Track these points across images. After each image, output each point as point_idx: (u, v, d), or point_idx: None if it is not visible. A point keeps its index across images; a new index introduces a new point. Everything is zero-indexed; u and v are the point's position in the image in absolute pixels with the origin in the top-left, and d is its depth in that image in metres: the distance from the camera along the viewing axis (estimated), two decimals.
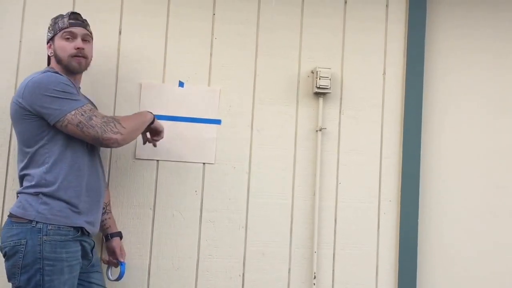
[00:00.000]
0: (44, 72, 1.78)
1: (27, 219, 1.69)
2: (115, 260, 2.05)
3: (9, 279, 1.70)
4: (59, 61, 1.85)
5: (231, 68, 2.25)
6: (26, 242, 1.66)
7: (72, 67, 1.86)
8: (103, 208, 1.97)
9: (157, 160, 2.17)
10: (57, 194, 1.72)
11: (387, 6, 2.38)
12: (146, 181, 2.16)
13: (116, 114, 2.15)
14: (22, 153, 1.80)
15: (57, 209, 1.71)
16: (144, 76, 2.18)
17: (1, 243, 1.73)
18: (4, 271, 1.72)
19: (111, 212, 2.07)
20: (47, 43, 1.90)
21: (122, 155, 2.15)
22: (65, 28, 1.86)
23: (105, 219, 2.02)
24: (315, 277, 2.20)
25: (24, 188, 1.76)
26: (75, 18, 1.89)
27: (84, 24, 1.91)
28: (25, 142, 1.77)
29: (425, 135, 2.35)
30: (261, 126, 2.25)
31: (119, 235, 2.05)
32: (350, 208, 2.28)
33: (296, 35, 2.31)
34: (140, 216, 2.14)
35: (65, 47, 1.84)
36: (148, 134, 2.03)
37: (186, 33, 2.23)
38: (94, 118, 1.74)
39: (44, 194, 1.71)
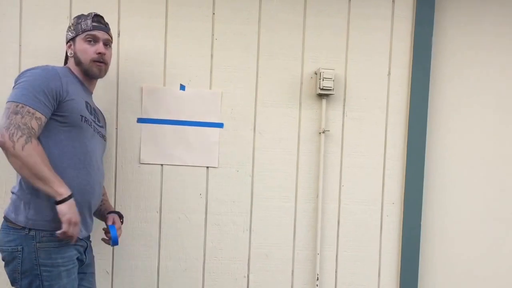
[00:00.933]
0: (46, 65, 1.77)
1: (20, 226, 1.70)
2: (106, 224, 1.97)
3: (12, 284, 1.76)
4: (78, 63, 1.84)
5: (232, 69, 2.23)
6: (22, 248, 1.69)
7: (92, 72, 1.85)
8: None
9: (161, 165, 2.20)
10: (42, 198, 1.69)
11: (393, 1, 2.29)
12: (151, 186, 2.20)
13: (118, 120, 2.17)
14: None
15: (45, 214, 1.69)
16: (145, 79, 2.18)
17: (0, 246, 1.75)
18: (3, 271, 1.76)
19: (107, 200, 2.05)
20: (67, 42, 1.87)
21: (127, 160, 2.19)
22: (88, 30, 1.84)
23: (100, 205, 1.99)
24: (318, 279, 2.26)
25: (13, 188, 1.76)
26: (98, 21, 1.87)
27: (106, 28, 1.90)
28: None
29: (430, 138, 2.32)
30: (264, 128, 2.25)
31: (117, 213, 2.01)
32: (353, 210, 2.29)
33: (298, 34, 2.25)
34: (147, 220, 2.21)
35: (87, 51, 1.83)
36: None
37: (185, 34, 2.20)
38: (18, 116, 1.62)
39: (31, 196, 1.70)
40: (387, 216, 2.31)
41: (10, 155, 1.62)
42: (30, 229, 1.69)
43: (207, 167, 2.23)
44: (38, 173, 1.63)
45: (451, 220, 2.37)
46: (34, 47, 2.12)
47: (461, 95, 2.36)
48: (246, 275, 2.26)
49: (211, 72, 2.22)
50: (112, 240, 1.90)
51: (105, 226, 1.98)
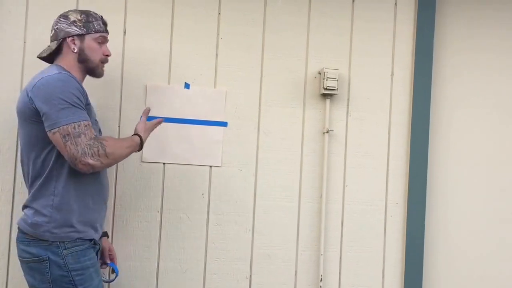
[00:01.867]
0: (59, 72, 1.72)
1: (41, 239, 1.70)
2: (105, 261, 2.03)
3: None
4: (84, 61, 1.83)
5: (237, 69, 2.26)
6: (48, 258, 1.69)
7: (97, 72, 1.88)
8: None
9: (164, 163, 2.20)
10: (66, 209, 1.72)
11: (395, 4, 2.37)
12: (153, 184, 2.19)
13: (122, 116, 2.18)
14: (28, 158, 1.76)
15: (68, 225, 1.72)
16: (149, 77, 2.20)
17: (21, 257, 1.74)
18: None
19: None
20: (70, 37, 1.81)
21: (129, 158, 2.16)
22: (102, 32, 1.87)
23: None
24: (321, 280, 2.24)
25: (29, 201, 1.75)
26: (105, 23, 1.91)
27: (108, 31, 1.94)
28: (32, 150, 1.74)
29: (433, 137, 2.36)
30: (268, 128, 2.27)
31: (105, 234, 2.03)
32: (357, 211, 2.30)
33: (303, 35, 2.31)
34: (148, 219, 2.19)
35: (97, 51, 1.85)
36: None
37: (191, 34, 2.24)
38: (82, 136, 1.66)
39: (53, 209, 1.71)
40: (391, 216, 2.32)
41: (105, 167, 1.75)
42: (53, 241, 1.70)
43: (210, 166, 2.23)
44: (124, 155, 1.81)
45: (455, 220, 2.39)
46: (38, 44, 2.12)
47: (463, 95, 2.42)
48: (248, 276, 2.23)
49: (215, 71, 2.25)
50: (115, 276, 2.03)
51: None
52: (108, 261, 2.03)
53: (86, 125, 1.68)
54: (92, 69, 1.86)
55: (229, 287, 2.22)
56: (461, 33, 2.42)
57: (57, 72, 1.72)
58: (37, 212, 1.72)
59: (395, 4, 2.36)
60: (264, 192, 2.25)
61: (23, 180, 2.05)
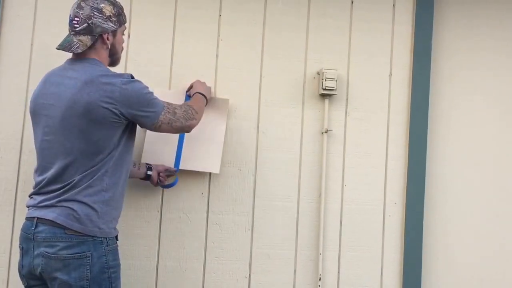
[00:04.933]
0: (127, 77, 1.79)
1: (87, 235, 1.73)
2: (168, 175, 2.19)
3: None
4: (113, 54, 1.88)
5: (237, 69, 2.33)
6: (92, 254, 1.72)
7: (118, 62, 1.95)
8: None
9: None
10: (111, 206, 1.79)
11: (394, 5, 2.43)
12: (152, 185, 2.22)
13: None
14: (81, 156, 1.74)
15: (111, 221, 1.80)
16: (152, 78, 2.24)
17: (57, 255, 1.70)
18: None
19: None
20: (105, 33, 1.81)
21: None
22: (125, 23, 1.92)
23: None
24: (320, 279, 2.29)
25: (81, 197, 1.73)
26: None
27: None
28: (96, 148, 1.75)
29: (431, 137, 2.41)
30: (267, 128, 2.33)
31: (150, 167, 2.15)
32: (356, 211, 2.35)
33: (302, 36, 2.38)
34: (148, 219, 2.24)
35: (122, 43, 1.92)
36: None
37: (192, 35, 2.31)
38: (177, 111, 1.90)
39: (104, 205, 1.76)
40: (390, 216, 2.37)
41: (198, 122, 2.01)
42: (98, 236, 1.74)
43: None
44: (203, 110, 2.07)
45: (453, 219, 2.43)
46: (45, 46, 2.20)
47: (461, 96, 2.47)
48: (247, 275, 2.28)
49: (216, 71, 2.32)
50: (170, 184, 2.20)
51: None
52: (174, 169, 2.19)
53: (167, 103, 1.90)
54: (115, 61, 1.93)
55: (228, 286, 2.27)
56: (459, 33, 2.48)
57: (113, 74, 1.79)
58: (87, 206, 1.73)
59: (394, 5, 2.43)
60: (263, 191, 2.31)
61: (25, 179, 2.15)
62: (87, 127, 1.73)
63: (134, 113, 1.78)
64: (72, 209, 1.71)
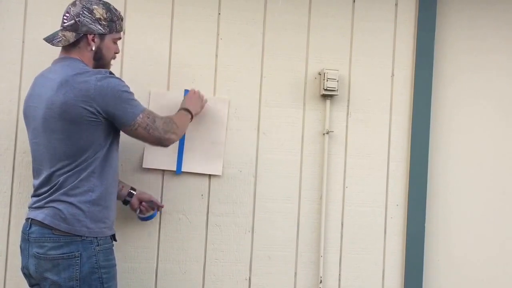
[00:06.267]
0: (104, 74, 1.78)
1: (75, 235, 1.74)
2: (152, 206, 2.15)
3: None
4: (99, 59, 1.87)
5: (236, 69, 2.32)
6: (81, 254, 1.73)
7: (108, 69, 1.93)
8: None
9: (163, 170, 2.23)
10: (100, 205, 1.79)
11: (396, 5, 2.42)
12: (152, 185, 2.23)
13: None
14: (65, 157, 1.76)
15: (101, 220, 1.79)
16: (149, 77, 2.24)
17: (46, 255, 1.73)
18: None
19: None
20: (91, 33, 1.82)
21: (129, 164, 2.22)
22: (120, 32, 1.92)
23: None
24: (321, 282, 2.30)
25: (67, 197, 1.75)
26: (122, 20, 1.96)
27: None
28: (78, 149, 1.75)
29: (434, 139, 2.42)
30: (268, 129, 2.33)
31: (133, 189, 2.12)
32: (357, 212, 2.36)
33: (303, 35, 2.36)
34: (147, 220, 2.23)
35: (112, 50, 1.92)
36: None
37: (191, 33, 2.29)
38: (157, 120, 1.86)
39: (91, 205, 1.76)
40: (391, 218, 2.38)
41: (179, 138, 1.98)
42: (87, 236, 1.74)
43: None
44: (186, 127, 2.02)
45: (455, 221, 2.44)
46: (37, 43, 2.16)
47: (463, 96, 2.47)
48: (248, 278, 2.29)
49: (215, 71, 2.31)
50: (147, 217, 2.15)
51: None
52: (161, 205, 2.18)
53: (149, 109, 1.89)
54: (103, 66, 1.91)
55: None
56: (462, 33, 2.48)
57: (93, 71, 1.78)
58: (73, 206, 1.74)
59: (396, 4, 2.42)
60: (264, 193, 2.30)
61: (21, 181, 2.14)
62: (66, 128, 1.75)
63: (110, 110, 1.76)
64: (58, 209, 1.74)
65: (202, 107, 2.16)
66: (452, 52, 2.46)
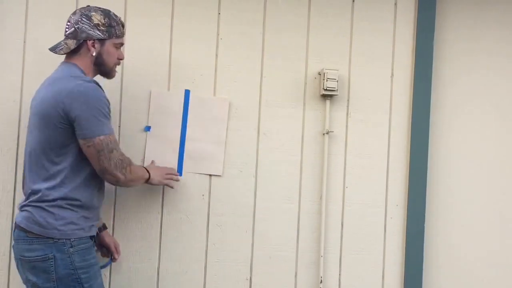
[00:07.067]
0: (88, 82, 1.80)
1: (46, 236, 1.77)
2: (108, 254, 2.13)
3: None
4: (100, 64, 1.90)
5: (237, 69, 2.33)
6: (54, 256, 1.75)
7: (111, 76, 1.97)
8: None
9: None
10: (74, 207, 1.80)
11: (395, 5, 2.43)
12: (153, 186, 2.22)
13: (122, 119, 2.24)
14: (39, 159, 1.81)
15: (75, 223, 1.80)
16: (150, 78, 2.26)
17: (23, 257, 1.79)
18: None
19: None
20: (90, 39, 1.86)
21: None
22: (121, 37, 1.94)
23: None
24: (321, 281, 2.32)
25: (28, 200, 1.81)
26: (124, 26, 1.98)
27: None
28: (49, 149, 1.79)
29: (433, 139, 2.43)
30: (268, 129, 2.34)
31: (105, 227, 2.14)
32: (357, 212, 2.37)
33: (303, 35, 2.38)
34: (148, 221, 2.26)
35: (114, 55, 1.93)
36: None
37: (191, 34, 2.30)
38: (114, 152, 1.81)
39: (60, 208, 1.78)
40: (391, 218, 2.39)
41: (122, 185, 1.94)
42: (59, 238, 1.77)
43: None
44: (139, 180, 1.97)
45: (455, 221, 2.45)
46: (38, 44, 2.18)
47: (463, 97, 2.48)
48: (248, 278, 2.30)
49: (215, 72, 2.32)
50: (107, 263, 2.13)
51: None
52: (117, 257, 2.13)
53: (115, 139, 1.84)
54: (106, 72, 1.95)
55: None
56: (461, 34, 2.49)
57: (83, 80, 1.80)
58: (43, 209, 1.78)
59: (395, 4, 2.43)
60: (264, 193, 2.32)
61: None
62: (40, 131, 1.81)
63: (72, 115, 1.74)
64: (31, 212, 1.79)
65: (160, 182, 2.09)
66: (451, 53, 2.47)
